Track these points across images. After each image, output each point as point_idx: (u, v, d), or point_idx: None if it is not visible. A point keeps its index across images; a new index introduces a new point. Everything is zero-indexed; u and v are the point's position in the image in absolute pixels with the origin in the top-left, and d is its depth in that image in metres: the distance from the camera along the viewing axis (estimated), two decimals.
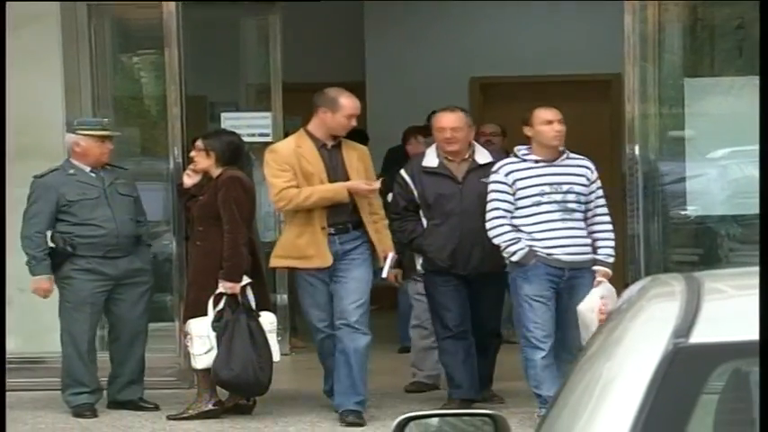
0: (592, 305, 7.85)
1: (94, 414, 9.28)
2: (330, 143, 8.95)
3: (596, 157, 10.23)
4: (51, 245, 9.25)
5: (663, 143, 10.36)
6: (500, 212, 8.29)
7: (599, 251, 8.33)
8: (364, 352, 8.84)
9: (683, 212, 10.65)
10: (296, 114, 12.83)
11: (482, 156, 8.91)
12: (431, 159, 8.95)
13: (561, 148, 8.46)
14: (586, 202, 8.42)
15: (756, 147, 10.83)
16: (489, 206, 8.36)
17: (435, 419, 3.50)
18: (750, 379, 2.56)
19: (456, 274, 8.93)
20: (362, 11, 13.49)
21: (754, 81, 10.94)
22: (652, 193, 10.14)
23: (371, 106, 13.10)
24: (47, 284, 9.26)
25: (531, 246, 8.20)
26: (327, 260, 8.73)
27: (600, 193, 8.50)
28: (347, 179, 8.85)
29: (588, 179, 8.42)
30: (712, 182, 10.72)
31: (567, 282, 8.23)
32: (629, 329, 2.79)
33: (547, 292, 8.23)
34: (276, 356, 9.09)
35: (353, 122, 9.09)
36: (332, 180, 8.85)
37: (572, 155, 8.51)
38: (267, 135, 11.31)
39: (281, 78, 11.44)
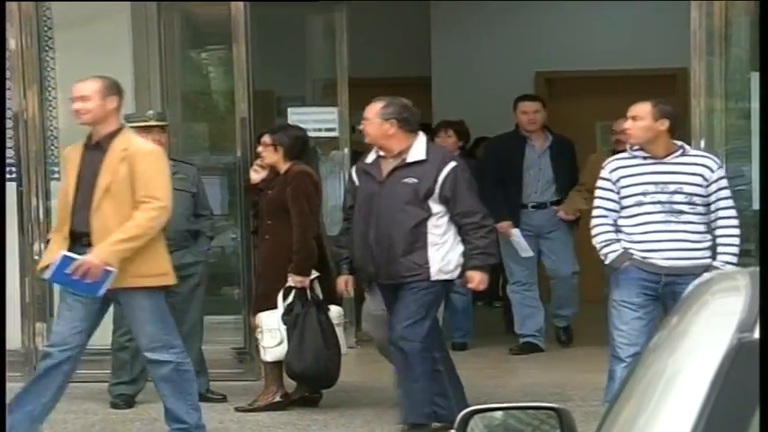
0: None
1: (129, 405, 9.38)
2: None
3: None
4: None
5: (729, 137, 10.33)
6: (601, 211, 7.91)
7: (717, 257, 7.79)
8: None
9: (748, 207, 10.62)
10: (362, 110, 12.88)
11: (418, 153, 8.13)
12: (371, 155, 8.43)
13: (680, 143, 7.95)
14: (706, 204, 7.86)
15: None
16: (593, 204, 8.06)
17: (500, 413, 3.49)
18: None
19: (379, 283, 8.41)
20: (429, 7, 13.50)
21: None
22: None
23: (437, 101, 13.12)
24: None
25: (628, 248, 7.80)
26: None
27: (723, 194, 7.91)
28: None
29: (706, 179, 7.82)
30: None
31: (667, 288, 7.65)
32: (693, 324, 2.78)
33: (638, 298, 7.76)
34: (344, 349, 9.15)
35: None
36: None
37: (691, 151, 8.03)
38: (333, 130, 11.35)
39: (347, 74, 11.47)
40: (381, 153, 8.18)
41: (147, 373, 9.44)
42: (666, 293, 7.61)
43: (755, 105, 10.63)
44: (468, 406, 7.85)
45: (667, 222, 7.70)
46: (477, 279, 8.03)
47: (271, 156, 9.15)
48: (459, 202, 7.98)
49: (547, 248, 11.03)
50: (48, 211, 10.28)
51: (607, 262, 7.95)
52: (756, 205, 10.65)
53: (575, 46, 13.09)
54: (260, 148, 9.24)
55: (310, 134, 10.14)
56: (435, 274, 8.00)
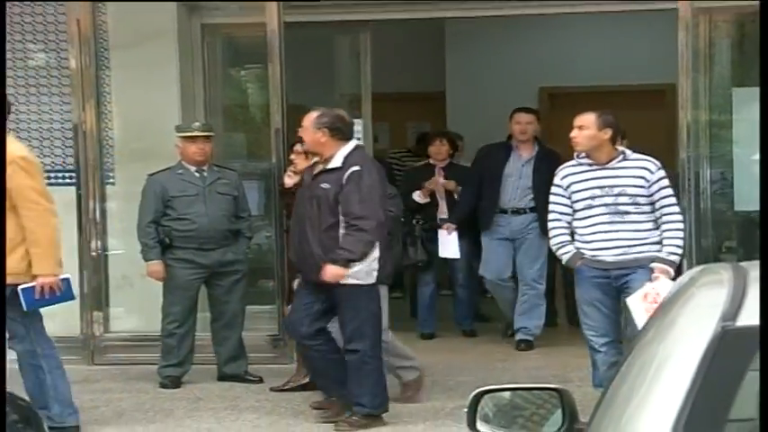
0: (639, 294, 7.31)
1: (176, 386, 9.36)
2: None
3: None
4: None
5: (713, 146, 10.31)
6: (555, 215, 7.83)
7: (663, 249, 7.61)
8: None
9: (730, 208, 10.60)
10: (384, 120, 12.89)
11: (337, 160, 7.84)
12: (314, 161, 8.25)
13: (621, 149, 7.82)
14: (651, 203, 7.71)
15: None
16: (549, 209, 7.96)
17: (507, 393, 3.50)
18: None
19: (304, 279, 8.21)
20: (444, 28, 13.49)
21: None
22: (703, 191, 10.07)
23: (451, 114, 13.10)
24: (159, 269, 9.35)
25: (580, 248, 7.71)
26: None
27: (665, 192, 7.73)
28: None
29: (647, 180, 7.68)
30: (756, 181, 10.65)
31: (619, 280, 7.59)
32: (681, 314, 2.78)
33: (595, 294, 7.67)
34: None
35: None
36: None
37: (632, 156, 7.82)
38: (358, 139, 11.33)
39: (370, 89, 11.45)
40: (316, 159, 8.06)
41: (192, 357, 9.50)
42: (620, 286, 7.56)
43: (737, 117, 10.63)
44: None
45: (613, 223, 7.60)
46: (328, 272, 7.63)
47: (302, 162, 9.13)
48: (342, 203, 7.75)
49: (520, 253, 10.50)
50: (103, 213, 10.31)
51: (563, 263, 7.94)
52: (738, 206, 10.65)
53: (574, 64, 13.08)
54: (292, 156, 9.24)
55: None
56: (357, 279, 7.75)
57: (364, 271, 7.75)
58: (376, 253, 7.80)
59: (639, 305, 7.22)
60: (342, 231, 7.74)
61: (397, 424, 8.12)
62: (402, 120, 14.10)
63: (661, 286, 7.25)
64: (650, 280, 7.41)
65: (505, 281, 10.56)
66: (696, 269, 3.45)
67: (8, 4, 11.02)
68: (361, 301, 7.81)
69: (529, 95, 12.78)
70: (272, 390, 9.15)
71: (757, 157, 10.73)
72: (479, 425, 3.37)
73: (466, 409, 3.39)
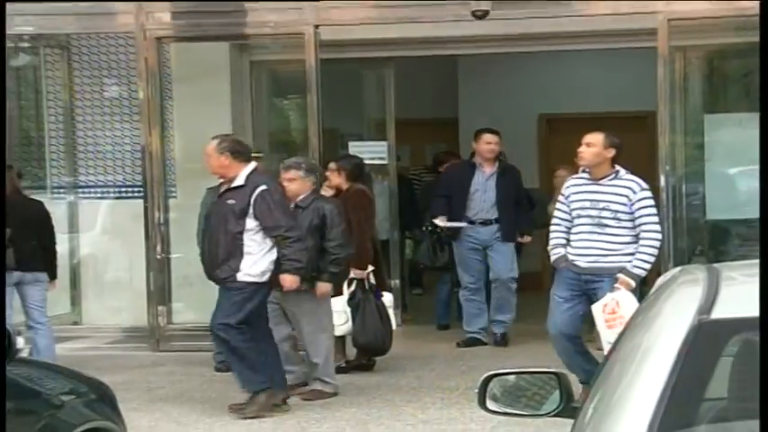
0: (600, 303, 7.11)
1: (228, 369, 9.17)
2: None
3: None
4: None
5: (687, 165, 10.29)
6: (556, 221, 7.61)
7: (631, 262, 7.31)
8: None
9: (702, 218, 10.57)
10: (405, 143, 12.88)
11: (240, 179, 7.72)
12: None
13: (617, 168, 7.51)
14: (631, 219, 7.39)
15: (757, 166, 10.81)
16: (554, 214, 7.77)
17: (512, 376, 3.49)
18: (758, 348, 2.50)
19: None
20: (457, 64, 13.48)
21: (757, 117, 10.87)
22: (678, 203, 10.04)
23: (463, 137, 13.04)
24: None
25: (567, 253, 7.47)
26: None
27: (645, 211, 7.40)
28: None
29: (630, 199, 7.37)
30: (725, 194, 10.64)
31: (587, 285, 7.36)
32: (663, 308, 2.77)
33: (566, 293, 7.43)
34: (394, 326, 9.12)
35: None
36: None
37: (623, 176, 7.50)
38: (383, 159, 11.34)
39: (393, 115, 11.46)
40: (222, 180, 7.92)
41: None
42: (588, 290, 7.34)
43: (708, 139, 10.60)
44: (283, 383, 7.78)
45: (593, 233, 7.36)
46: (287, 281, 7.68)
47: (336, 178, 9.16)
48: (265, 219, 7.66)
49: (491, 258, 9.99)
50: (167, 222, 10.33)
51: (551, 262, 7.75)
52: (709, 216, 10.61)
53: (569, 93, 13.02)
54: (328, 173, 9.26)
55: (366, 162, 10.16)
56: (243, 277, 7.62)
57: (260, 270, 7.65)
58: (273, 256, 7.69)
59: (600, 315, 7.07)
60: (246, 239, 7.64)
61: (416, 402, 8.11)
62: (421, 142, 14.07)
63: (621, 297, 7.09)
64: (613, 290, 7.19)
65: (478, 291, 10.10)
66: (675, 270, 3.44)
67: (85, 41, 11.07)
68: (252, 294, 7.70)
69: (529, 121, 12.78)
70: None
71: (730, 171, 10.73)
72: (488, 403, 3.37)
73: (477, 390, 3.39)
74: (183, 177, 10.50)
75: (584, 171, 7.57)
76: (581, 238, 7.43)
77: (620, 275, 7.21)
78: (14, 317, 8.75)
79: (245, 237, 7.68)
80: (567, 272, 7.48)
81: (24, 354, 7.00)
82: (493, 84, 13.28)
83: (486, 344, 9.90)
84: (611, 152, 7.45)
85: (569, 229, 7.52)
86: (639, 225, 7.35)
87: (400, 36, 10.58)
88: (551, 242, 7.64)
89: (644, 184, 7.54)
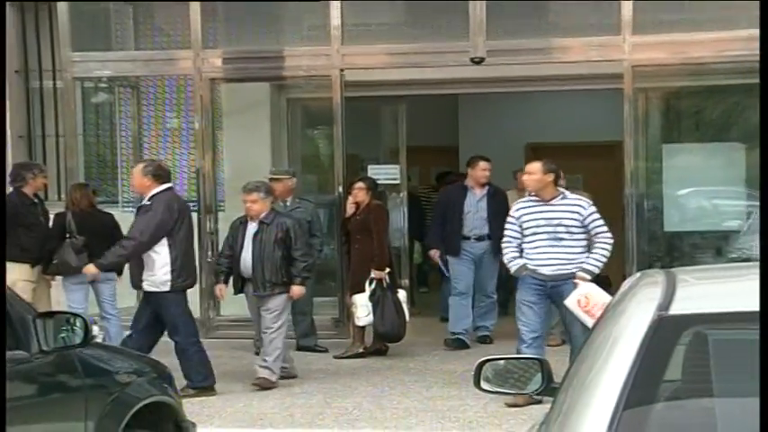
0: (573, 300, 7.05)
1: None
2: None
3: (605, 196, 10.14)
4: None
5: (648, 186, 10.27)
6: (507, 238, 7.46)
7: (586, 260, 7.26)
8: None
9: (661, 230, 10.55)
10: (415, 166, 12.88)
11: (148, 198, 7.61)
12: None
13: (562, 190, 7.46)
14: (585, 231, 7.32)
15: (709, 188, 10.78)
16: (504, 233, 7.55)
17: (502, 361, 3.50)
18: (708, 339, 2.51)
19: None
20: (457, 101, 13.49)
21: (706, 146, 10.90)
22: (641, 217, 10.02)
23: (462, 161, 13.00)
24: None
25: (526, 263, 7.34)
26: None
27: (596, 223, 7.33)
28: None
29: (581, 215, 7.31)
30: (679, 210, 10.63)
31: (552, 289, 7.26)
32: (628, 305, 2.77)
33: (533, 297, 7.34)
34: (407, 318, 9.10)
35: None
36: None
37: (570, 196, 7.47)
38: (396, 179, 11.35)
39: (405, 143, 11.48)
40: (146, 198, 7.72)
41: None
42: (552, 293, 7.25)
43: (666, 165, 10.58)
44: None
45: (551, 246, 7.27)
46: (89, 269, 7.81)
47: (363, 195, 9.18)
48: (131, 227, 7.61)
49: (480, 270, 9.62)
50: (216, 230, 10.31)
51: (512, 273, 7.58)
52: (666, 228, 10.58)
53: (551, 126, 13.01)
54: (355, 191, 9.26)
55: (381, 182, 10.19)
56: (155, 287, 7.53)
57: (158, 281, 7.52)
58: (166, 267, 7.50)
59: (577, 309, 7.01)
60: (165, 253, 7.52)
61: (422, 382, 8.10)
62: (428, 165, 14.06)
63: (587, 290, 7.06)
64: (575, 287, 7.13)
65: (468, 297, 9.68)
66: (639, 273, 3.43)
67: (151, 81, 11.12)
68: (163, 304, 7.58)
69: (517, 149, 12.74)
70: (334, 357, 9.17)
71: (683, 191, 10.71)
72: (482, 384, 3.37)
73: (473, 373, 3.39)
74: (230, 194, 10.50)
75: (530, 195, 7.47)
76: (541, 251, 7.31)
77: (578, 273, 7.19)
78: (90, 309, 8.77)
79: (156, 247, 7.56)
80: (530, 279, 7.36)
81: (98, 339, 7.02)
82: (487, 118, 13.28)
83: (468, 346, 9.40)
84: (551, 176, 7.36)
85: (520, 244, 7.39)
86: (594, 234, 7.31)
87: (410, 78, 10.59)
88: (508, 256, 7.49)
89: (590, 202, 7.50)
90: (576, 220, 7.32)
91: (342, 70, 9.89)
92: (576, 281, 7.18)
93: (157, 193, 7.67)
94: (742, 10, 9.95)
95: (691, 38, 9.54)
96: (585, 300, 7.03)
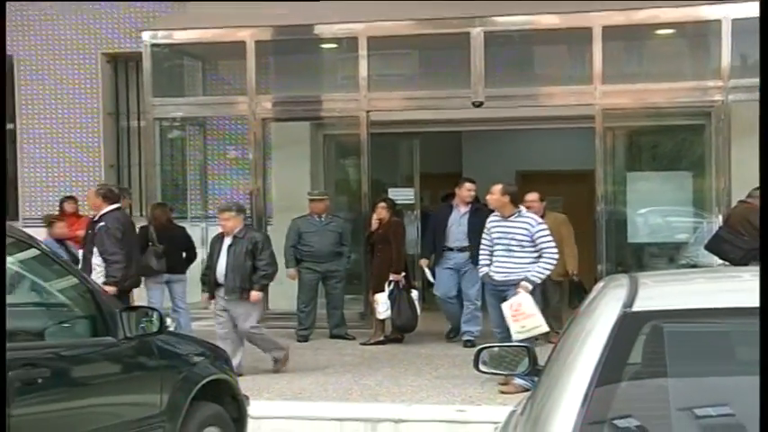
0: (507, 303, 6.90)
1: (305, 340, 9.29)
2: None
3: (581, 214, 10.13)
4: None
5: (615, 205, 10.25)
6: (482, 247, 7.31)
7: (530, 271, 7.00)
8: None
9: (625, 241, 10.51)
10: (427, 189, 12.85)
11: (99, 215, 7.55)
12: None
13: (520, 208, 7.23)
14: (532, 246, 7.04)
15: (663, 207, 10.77)
16: (481, 242, 7.39)
17: (496, 348, 3.49)
18: (663, 330, 2.48)
19: None
20: (461, 136, 13.48)
21: (661, 174, 10.90)
22: (609, 232, 9.98)
23: None
24: (294, 273, 9.36)
25: (488, 270, 7.20)
26: None
27: (543, 239, 7.03)
28: None
29: (530, 231, 7.05)
30: (640, 225, 10.60)
31: (501, 293, 7.09)
32: (599, 303, 2.75)
33: (490, 299, 7.26)
34: (419, 313, 9.09)
35: None
36: None
37: (524, 214, 7.21)
38: (411, 200, 11.37)
39: (419, 170, 11.50)
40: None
41: (314, 324, 9.44)
42: (502, 295, 7.05)
43: (629, 189, 10.56)
44: None
45: (504, 256, 7.09)
46: (108, 290, 7.04)
47: (384, 213, 9.18)
48: (99, 245, 7.35)
49: (462, 281, 9.06)
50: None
51: (480, 276, 7.51)
52: (629, 240, 10.56)
53: (537, 157, 13.00)
54: (378, 209, 9.24)
55: (399, 202, 10.18)
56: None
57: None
58: (99, 278, 7.23)
59: (508, 311, 6.89)
60: (95, 260, 7.38)
61: (431, 365, 8.07)
62: (437, 189, 13.98)
63: (521, 299, 6.89)
64: (515, 293, 6.96)
65: (451, 298, 9.16)
66: (607, 277, 3.42)
67: (215, 121, 11.18)
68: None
69: (510, 175, 12.67)
70: (360, 344, 9.14)
71: (643, 210, 10.68)
72: (480, 366, 3.37)
73: (473, 357, 3.39)
74: (277, 211, 10.56)
75: (495, 212, 7.35)
76: (497, 260, 7.17)
77: (522, 282, 6.98)
78: (165, 303, 8.82)
79: (93, 259, 7.44)
80: (489, 284, 7.29)
81: (171, 329, 7.05)
82: (485, 149, 13.27)
83: (475, 345, 8.77)
84: (507, 198, 7.23)
85: (492, 252, 7.25)
86: (540, 249, 7.03)
87: (423, 118, 10.59)
88: (480, 262, 7.39)
89: (539, 220, 7.28)
90: (525, 235, 7.07)
91: (368, 112, 9.89)
92: (518, 288, 6.97)
93: (108, 212, 7.59)
94: (689, 65, 9.97)
95: (648, 87, 9.53)
96: (517, 305, 6.89)
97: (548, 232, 7.14)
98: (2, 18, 6.17)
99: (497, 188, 7.31)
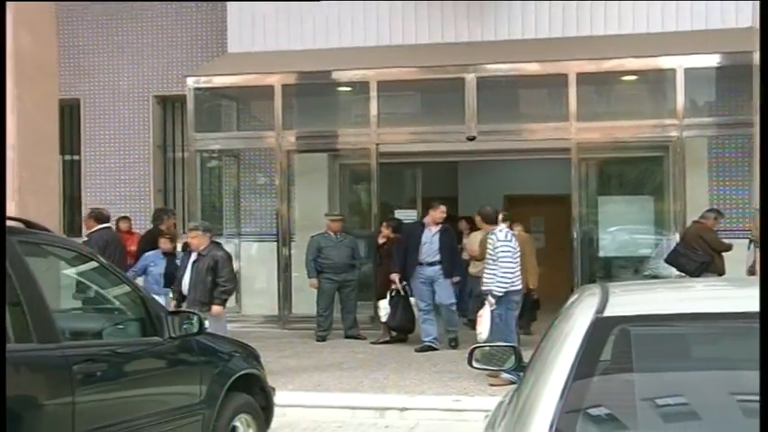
0: (481, 311, 6.87)
1: (324, 340, 9.18)
2: None
3: (559, 232, 10.11)
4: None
5: (587, 225, 10.23)
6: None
7: (493, 285, 6.86)
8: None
9: (597, 255, 10.48)
10: (427, 210, 12.83)
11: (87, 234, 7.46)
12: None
13: (497, 227, 7.07)
14: (496, 259, 6.92)
15: (629, 226, 10.74)
16: None
17: (488, 348, 3.47)
18: (630, 332, 2.46)
19: None
20: (457, 166, 13.50)
21: (626, 198, 10.87)
22: (584, 247, 9.96)
23: (461, 207, 13.01)
24: (315, 282, 9.29)
25: None
26: None
27: (502, 255, 6.83)
28: None
29: (494, 246, 6.91)
30: (609, 242, 10.57)
31: (477, 299, 6.93)
32: (575, 309, 2.73)
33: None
34: (416, 316, 9.00)
35: None
36: None
37: (495, 231, 7.03)
38: (415, 219, 11.30)
39: (421, 195, 11.49)
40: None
41: (331, 326, 9.34)
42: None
43: (600, 210, 10.53)
44: None
45: (486, 267, 7.01)
46: None
47: (388, 231, 9.16)
48: None
49: (436, 290, 8.60)
50: (290, 255, 10.30)
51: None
52: (600, 254, 10.53)
53: (521, 183, 13.00)
54: (382, 228, 9.23)
55: (404, 220, 10.14)
56: None
57: None
58: None
59: (479, 318, 6.87)
60: None
61: (431, 360, 8.01)
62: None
63: (484, 309, 6.83)
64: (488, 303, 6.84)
65: (428, 306, 8.67)
66: (582, 287, 3.40)
67: (247, 152, 11.22)
68: None
69: (498, 198, 12.71)
70: (371, 343, 9.10)
71: (612, 229, 10.65)
72: (473, 363, 3.34)
73: (466, 356, 3.37)
74: (299, 229, 10.56)
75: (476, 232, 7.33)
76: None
77: (488, 297, 6.88)
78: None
79: None
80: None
81: (208, 330, 7.04)
82: (477, 177, 13.28)
83: (437, 349, 8.47)
84: (478, 217, 7.23)
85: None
86: (500, 262, 6.87)
87: (424, 150, 10.63)
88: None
89: (502, 237, 6.97)
90: (491, 250, 6.94)
91: (377, 144, 9.89)
92: (489, 298, 6.85)
93: (95, 230, 7.65)
94: (649, 106, 9.98)
95: (616, 125, 9.54)
96: (480, 315, 6.87)
97: (507, 248, 6.88)
98: (2, 18, 5.26)
99: (476, 211, 7.33)
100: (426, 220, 8.85)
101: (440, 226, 8.78)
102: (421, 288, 8.71)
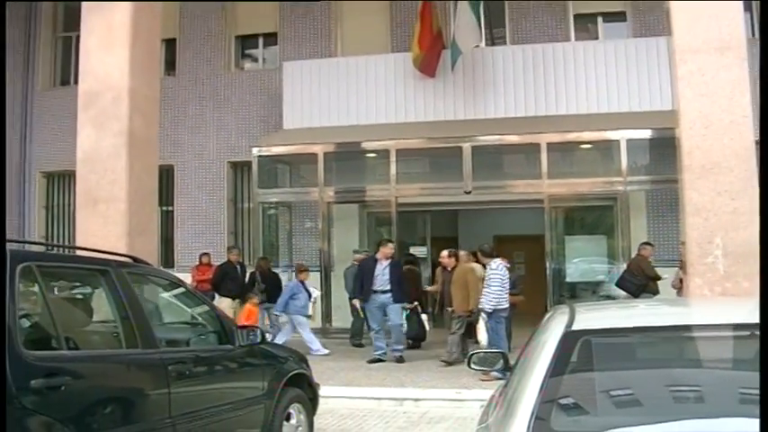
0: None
1: (359, 346, 9.05)
2: None
3: (535, 263, 9.99)
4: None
5: (558, 257, 10.13)
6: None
7: (481, 304, 6.91)
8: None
9: (564, 281, 10.37)
10: (435, 247, 12.62)
11: None
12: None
13: (492, 261, 7.06)
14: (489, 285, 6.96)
15: (588, 258, 10.63)
16: None
17: (482, 352, 3.44)
18: (591, 342, 2.43)
19: None
20: (457, 213, 13.41)
21: (586, 237, 10.78)
22: (555, 275, 9.86)
23: (462, 245, 12.91)
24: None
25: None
26: None
27: (492, 279, 6.89)
28: None
29: (488, 273, 6.97)
30: (575, 270, 10.46)
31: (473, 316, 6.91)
32: (549, 324, 2.71)
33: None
34: (428, 329, 8.90)
35: None
36: None
37: (490, 263, 7.05)
38: (424, 255, 11.28)
39: (430, 235, 11.44)
40: None
41: (364, 334, 9.07)
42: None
43: (567, 247, 10.44)
44: None
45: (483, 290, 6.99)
46: None
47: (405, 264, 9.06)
48: None
49: (387, 314, 7.97)
50: (328, 281, 10.18)
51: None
52: (567, 279, 10.40)
53: (507, 225, 12.90)
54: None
55: (417, 256, 10.07)
56: None
57: None
58: None
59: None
60: None
61: (436, 363, 7.89)
62: (441, 247, 13.77)
63: (479, 323, 6.82)
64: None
65: (379, 327, 8.08)
66: (555, 306, 3.37)
67: (297, 204, 11.28)
68: None
69: (489, 238, 12.62)
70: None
71: (576, 259, 10.55)
72: (472, 365, 3.32)
73: (466, 359, 3.35)
74: (337, 261, 10.51)
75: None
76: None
77: (481, 314, 6.91)
78: (263, 323, 8.78)
79: None
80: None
81: (269, 339, 7.02)
82: (472, 221, 13.22)
83: (385, 361, 7.87)
84: (480, 252, 7.34)
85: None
86: (489, 287, 6.93)
87: (432, 201, 10.56)
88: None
89: (494, 266, 6.98)
90: (486, 276, 7.04)
91: (396, 197, 9.92)
92: (482, 314, 6.87)
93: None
94: (601, 168, 9.97)
95: (576, 181, 9.54)
96: (479, 327, 6.88)
97: (496, 275, 6.92)
98: (2, 19, 4.21)
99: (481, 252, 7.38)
100: (378, 255, 8.07)
101: (389, 260, 8.05)
102: (374, 312, 8.01)
